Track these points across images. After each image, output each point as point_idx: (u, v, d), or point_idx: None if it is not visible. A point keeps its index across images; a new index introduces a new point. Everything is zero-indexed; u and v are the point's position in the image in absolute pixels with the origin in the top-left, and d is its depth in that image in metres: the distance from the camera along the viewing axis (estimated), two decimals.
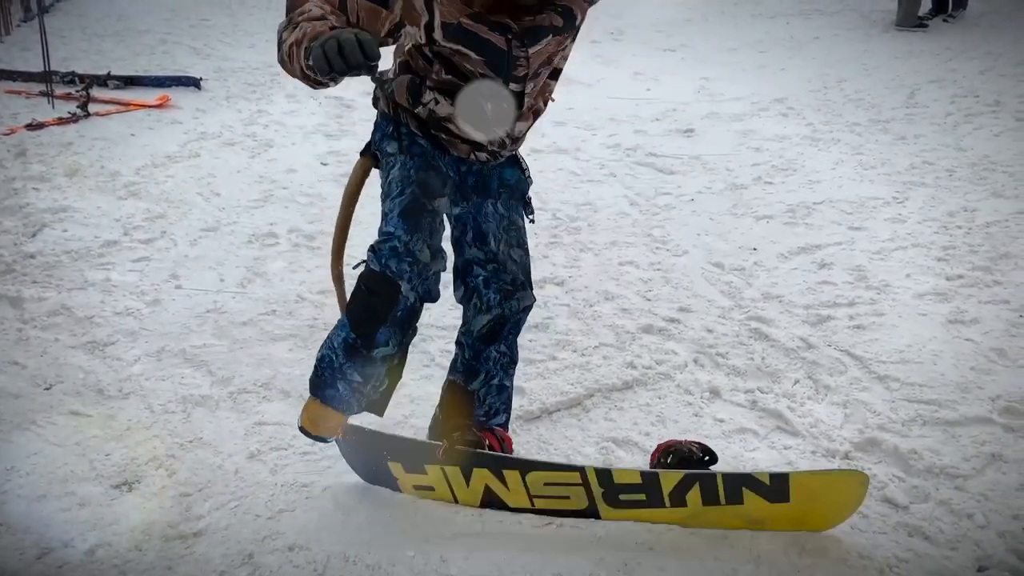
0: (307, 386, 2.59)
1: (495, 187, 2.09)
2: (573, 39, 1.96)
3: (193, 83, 5.65)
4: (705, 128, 5.04)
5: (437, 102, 1.91)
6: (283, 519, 2.08)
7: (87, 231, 3.60)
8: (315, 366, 1.98)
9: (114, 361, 2.73)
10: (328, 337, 1.96)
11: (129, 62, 6.21)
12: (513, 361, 2.19)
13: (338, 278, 2.20)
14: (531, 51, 1.78)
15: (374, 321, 1.86)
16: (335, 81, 1.68)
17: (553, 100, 2.11)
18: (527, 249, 2.14)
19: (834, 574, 1.90)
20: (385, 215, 1.91)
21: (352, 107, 5.35)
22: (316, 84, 1.72)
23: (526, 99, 1.90)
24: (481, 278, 2.06)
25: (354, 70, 1.59)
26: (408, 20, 1.77)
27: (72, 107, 5.05)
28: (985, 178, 4.15)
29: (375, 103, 2.06)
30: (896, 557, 1.94)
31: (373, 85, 1.87)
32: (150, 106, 5.25)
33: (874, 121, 5.09)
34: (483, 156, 2.02)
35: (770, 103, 5.47)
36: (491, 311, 2.07)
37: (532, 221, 2.19)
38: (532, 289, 2.14)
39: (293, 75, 1.74)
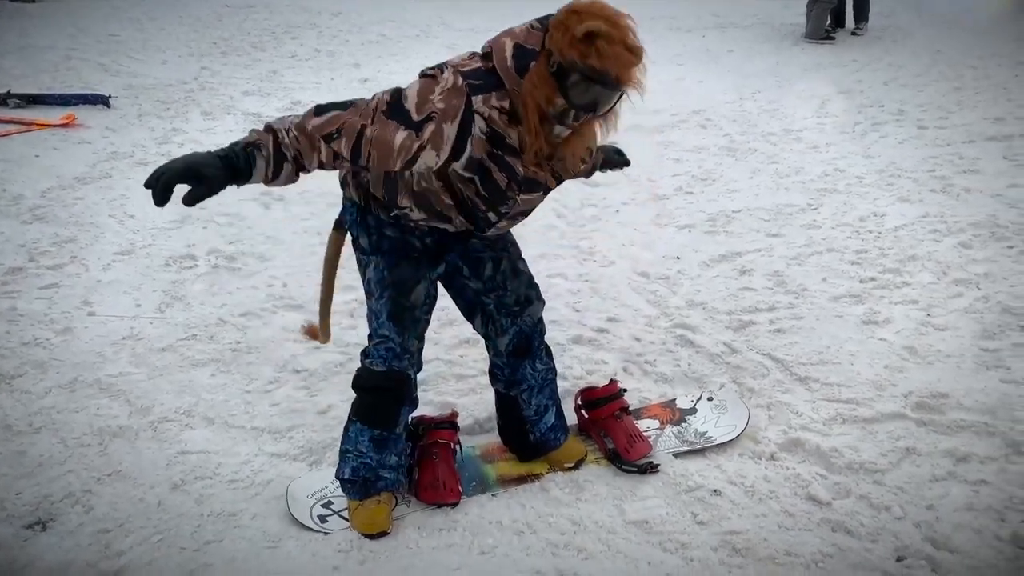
0: (230, 413, 2.53)
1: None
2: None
3: (101, 101, 5.44)
4: (628, 140, 5.03)
5: (412, 211, 1.93)
6: (210, 551, 2.01)
7: None
8: (350, 480, 2.10)
9: (22, 394, 2.59)
10: (346, 452, 2.10)
11: (31, 79, 5.94)
12: (553, 371, 2.32)
13: (327, 339, 2.36)
14: (521, 197, 1.89)
15: (393, 408, 2.08)
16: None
17: None
18: (524, 261, 2.21)
19: (763, 572, 1.96)
20: (375, 315, 2.04)
21: None
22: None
23: (493, 228, 1.96)
24: (491, 306, 2.17)
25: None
26: (432, 145, 1.75)
27: None
28: (892, 184, 4.36)
29: (343, 186, 2.04)
30: (821, 552, 2.00)
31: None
32: (55, 125, 5.03)
33: (787, 131, 5.29)
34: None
35: (689, 114, 5.62)
36: (508, 331, 2.19)
37: None
38: (540, 298, 2.24)
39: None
